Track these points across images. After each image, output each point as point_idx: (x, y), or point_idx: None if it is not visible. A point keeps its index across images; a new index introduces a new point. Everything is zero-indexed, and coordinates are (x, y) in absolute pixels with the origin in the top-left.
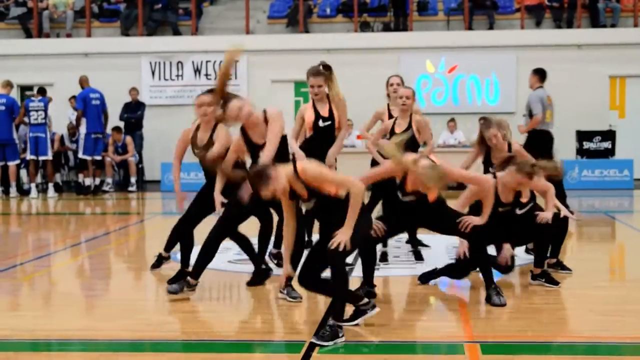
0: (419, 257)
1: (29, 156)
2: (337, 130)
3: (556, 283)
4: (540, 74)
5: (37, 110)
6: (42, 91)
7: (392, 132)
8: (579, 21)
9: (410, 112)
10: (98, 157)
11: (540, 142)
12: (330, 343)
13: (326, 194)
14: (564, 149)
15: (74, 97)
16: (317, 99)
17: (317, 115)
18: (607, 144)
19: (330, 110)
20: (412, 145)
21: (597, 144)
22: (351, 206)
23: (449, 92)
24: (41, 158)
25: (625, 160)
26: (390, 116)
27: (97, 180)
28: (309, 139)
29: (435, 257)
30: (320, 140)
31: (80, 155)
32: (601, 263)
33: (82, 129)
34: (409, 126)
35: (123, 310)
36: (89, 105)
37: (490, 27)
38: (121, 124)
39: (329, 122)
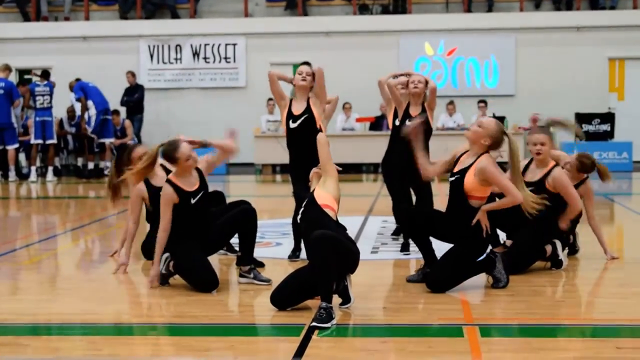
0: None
1: (34, 140)
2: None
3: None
4: None
5: (43, 95)
6: (46, 74)
7: (406, 113)
8: (578, 3)
9: (423, 100)
10: (107, 140)
11: None
12: (329, 324)
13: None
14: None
15: (77, 79)
16: (302, 85)
17: (289, 115)
18: (606, 127)
19: (308, 105)
20: (426, 130)
21: (596, 127)
22: None
23: (448, 74)
24: (48, 142)
25: (625, 143)
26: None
27: (92, 165)
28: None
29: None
30: (298, 138)
31: (89, 132)
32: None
33: (92, 111)
34: (423, 110)
35: (123, 294)
36: (88, 89)
37: (489, 10)
38: (122, 109)
39: (304, 117)
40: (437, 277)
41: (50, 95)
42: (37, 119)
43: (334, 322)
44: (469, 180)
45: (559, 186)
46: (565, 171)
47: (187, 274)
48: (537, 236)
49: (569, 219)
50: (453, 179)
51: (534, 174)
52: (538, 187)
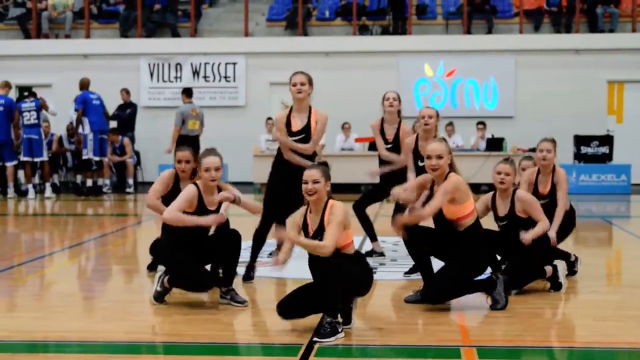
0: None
1: (23, 157)
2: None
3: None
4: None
5: (29, 111)
6: (33, 93)
7: (415, 152)
8: (577, 26)
9: (434, 133)
10: (105, 159)
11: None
12: (332, 339)
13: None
14: (562, 153)
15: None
16: (300, 97)
17: (288, 129)
18: (604, 149)
19: (308, 122)
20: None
21: (594, 149)
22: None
23: (447, 95)
24: (36, 159)
25: (623, 165)
26: (382, 129)
27: (90, 182)
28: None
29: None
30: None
31: (90, 156)
32: (598, 268)
33: (86, 129)
34: None
35: (120, 312)
36: (90, 105)
37: (489, 32)
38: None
39: (301, 137)
40: (436, 286)
41: (37, 111)
42: (25, 136)
43: (339, 336)
44: (446, 208)
45: (527, 206)
46: (530, 177)
47: (180, 274)
48: (533, 256)
49: (541, 234)
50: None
51: (503, 208)
52: (510, 219)
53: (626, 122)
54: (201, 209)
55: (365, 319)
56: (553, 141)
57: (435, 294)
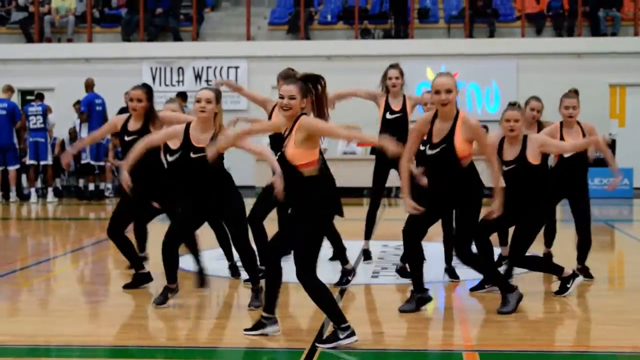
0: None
1: (28, 161)
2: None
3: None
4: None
5: (35, 115)
6: (40, 96)
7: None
8: (579, 30)
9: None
10: (108, 163)
11: None
12: (333, 345)
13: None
14: None
15: (78, 102)
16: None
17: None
18: (599, 154)
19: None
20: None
21: (597, 153)
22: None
23: None
24: (41, 163)
25: (625, 169)
26: (388, 105)
27: (92, 186)
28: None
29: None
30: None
31: (89, 160)
32: (600, 272)
33: (84, 134)
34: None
35: (122, 316)
36: (92, 111)
37: (491, 35)
38: None
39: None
40: (457, 239)
41: (43, 115)
42: (31, 139)
43: (341, 343)
44: (460, 145)
45: (542, 141)
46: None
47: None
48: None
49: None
50: (437, 150)
51: (510, 152)
52: (519, 163)
53: (628, 125)
54: (186, 143)
55: (366, 323)
56: (576, 92)
57: (462, 245)
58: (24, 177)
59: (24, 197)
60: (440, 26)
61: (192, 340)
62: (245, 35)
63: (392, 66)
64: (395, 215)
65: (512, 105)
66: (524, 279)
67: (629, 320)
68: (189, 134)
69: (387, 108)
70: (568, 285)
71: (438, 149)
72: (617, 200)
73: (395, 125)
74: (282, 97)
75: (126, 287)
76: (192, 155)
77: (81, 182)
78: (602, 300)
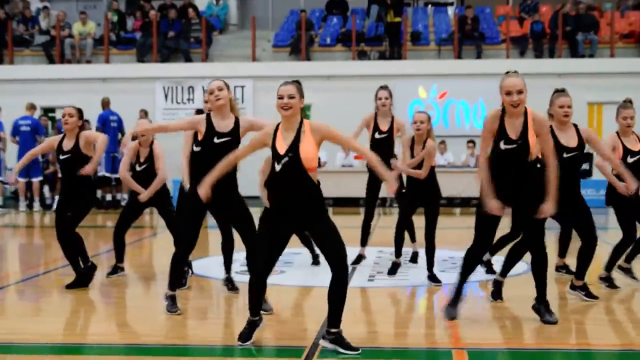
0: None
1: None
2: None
3: (595, 297)
4: None
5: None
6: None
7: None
8: (559, 52)
9: (426, 137)
10: (117, 175)
11: None
12: (333, 346)
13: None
14: None
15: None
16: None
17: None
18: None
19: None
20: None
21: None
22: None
23: (440, 116)
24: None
25: (602, 181)
26: (377, 125)
27: (110, 196)
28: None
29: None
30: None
31: (104, 173)
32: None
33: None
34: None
35: (138, 316)
36: (107, 126)
37: (478, 57)
38: None
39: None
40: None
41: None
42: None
43: (340, 349)
44: (533, 141)
45: (592, 138)
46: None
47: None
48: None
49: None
50: (514, 145)
51: (567, 139)
52: (580, 150)
53: (605, 140)
54: (210, 129)
55: (360, 323)
56: (631, 102)
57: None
58: (46, 187)
59: (46, 207)
60: (431, 48)
61: (198, 338)
62: (251, 56)
63: (382, 87)
64: (389, 223)
65: (561, 91)
66: (515, 281)
67: (601, 320)
68: (211, 122)
69: (376, 128)
70: (593, 294)
71: (515, 145)
72: (594, 210)
73: (382, 145)
74: (281, 98)
75: (69, 287)
76: (215, 140)
77: (99, 193)
78: (579, 303)
